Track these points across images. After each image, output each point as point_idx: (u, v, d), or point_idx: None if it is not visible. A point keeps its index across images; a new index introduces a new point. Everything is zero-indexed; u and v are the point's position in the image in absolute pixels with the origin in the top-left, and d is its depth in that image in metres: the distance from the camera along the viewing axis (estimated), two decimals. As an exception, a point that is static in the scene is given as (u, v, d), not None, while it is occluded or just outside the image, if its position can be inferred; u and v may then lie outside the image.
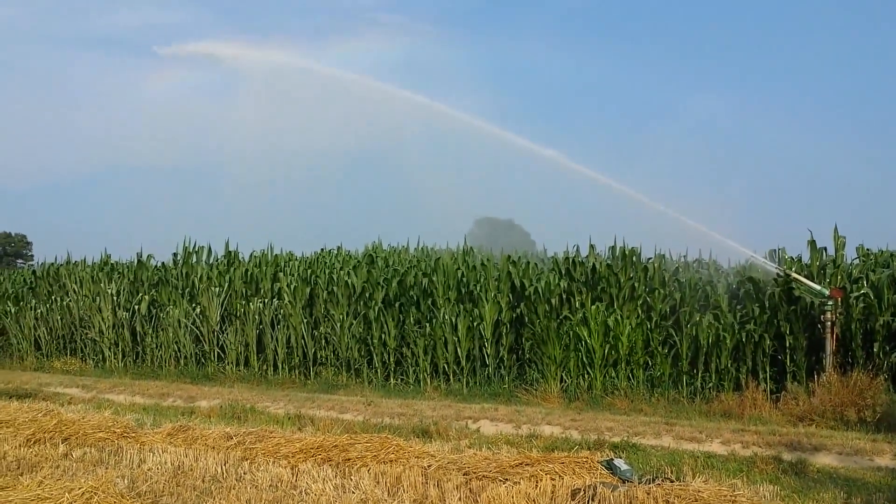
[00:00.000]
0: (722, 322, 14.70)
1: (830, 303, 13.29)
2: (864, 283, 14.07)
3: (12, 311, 23.38)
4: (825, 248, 14.65)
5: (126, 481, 8.65)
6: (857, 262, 14.75)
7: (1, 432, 11.22)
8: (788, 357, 14.14)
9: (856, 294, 13.82)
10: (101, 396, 16.27)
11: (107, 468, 9.32)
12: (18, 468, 9.45)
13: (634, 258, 16.00)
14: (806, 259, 14.74)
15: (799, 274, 14.01)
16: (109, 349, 21.11)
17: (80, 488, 7.47)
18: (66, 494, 7.38)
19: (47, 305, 22.71)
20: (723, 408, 13.26)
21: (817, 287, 13.49)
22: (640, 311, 15.36)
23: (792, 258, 14.99)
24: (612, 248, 16.37)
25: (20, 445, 10.53)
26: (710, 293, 15.28)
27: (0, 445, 10.49)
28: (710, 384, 14.57)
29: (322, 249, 21.42)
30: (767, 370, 14.30)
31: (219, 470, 9.15)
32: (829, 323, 13.29)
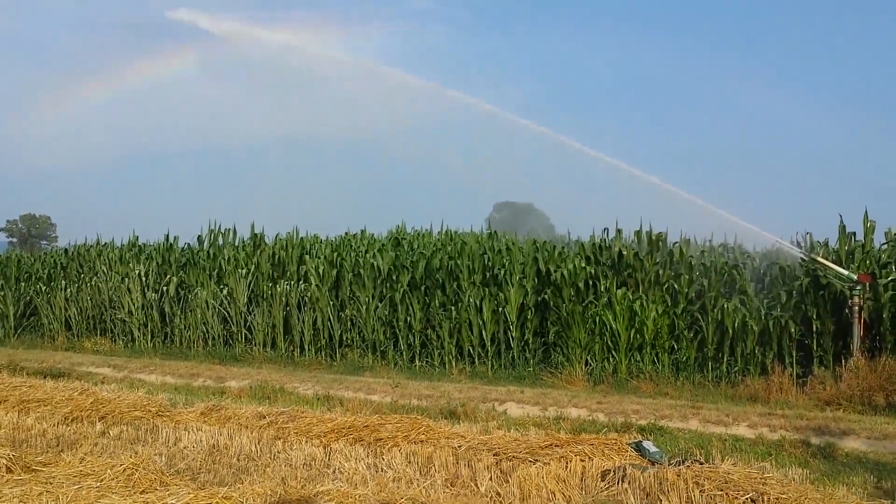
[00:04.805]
0: (748, 307, 14.72)
1: (858, 288, 13.28)
2: (894, 268, 14.04)
3: (43, 291, 23.71)
4: (854, 234, 14.62)
5: (164, 459, 8.86)
6: (885, 246, 14.68)
7: (39, 410, 11.49)
8: (815, 342, 14.13)
9: (884, 280, 13.78)
10: (133, 376, 16.53)
11: (144, 445, 9.55)
12: (58, 445, 9.71)
13: (661, 243, 16.03)
14: (834, 243, 14.71)
15: (826, 259, 13.99)
16: (139, 329, 21.38)
17: (121, 464, 7.65)
18: (109, 470, 7.56)
19: (77, 286, 23.01)
20: (749, 392, 13.29)
21: (845, 272, 13.46)
22: (665, 296, 15.40)
23: (819, 243, 14.98)
24: (638, 233, 16.39)
25: (58, 423, 10.79)
26: (736, 278, 15.28)
27: (39, 423, 10.76)
28: (736, 368, 14.59)
29: (346, 233, 21.56)
30: (794, 355, 14.29)
31: (253, 448, 9.36)
32: (856, 308, 13.27)
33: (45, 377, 14.93)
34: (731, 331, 14.65)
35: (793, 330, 14.20)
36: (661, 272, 15.62)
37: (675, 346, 15.16)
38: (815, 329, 14.10)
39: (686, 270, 15.60)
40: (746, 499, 6.90)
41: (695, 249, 16.75)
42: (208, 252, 21.40)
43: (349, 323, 18.43)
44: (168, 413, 11.33)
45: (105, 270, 22.63)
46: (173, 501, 6.74)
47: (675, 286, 15.42)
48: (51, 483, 7.39)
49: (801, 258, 14.39)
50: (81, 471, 7.65)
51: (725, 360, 14.74)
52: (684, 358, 14.96)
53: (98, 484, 7.32)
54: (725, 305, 14.79)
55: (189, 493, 6.84)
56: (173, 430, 10.23)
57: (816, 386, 12.88)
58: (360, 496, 6.61)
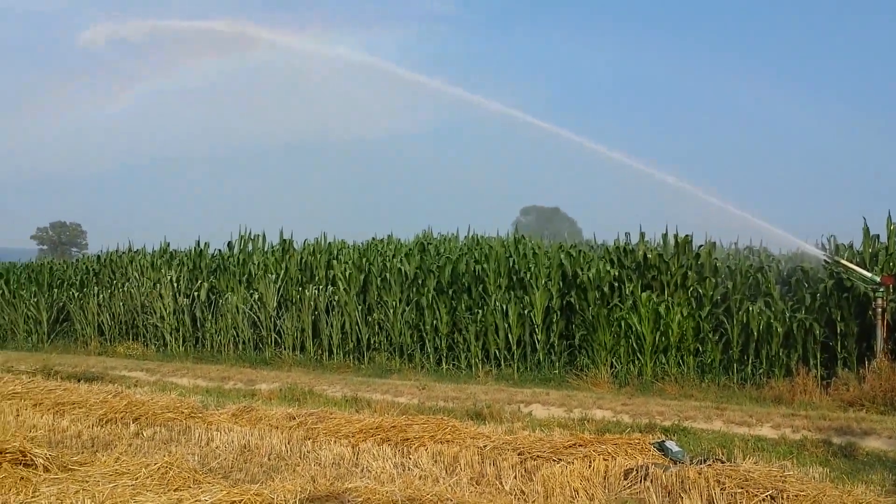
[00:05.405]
0: (773, 309, 14.76)
1: (882, 290, 13.31)
2: (917, 270, 14.04)
3: (76, 297, 24.15)
4: (878, 236, 14.65)
5: (196, 458, 9.10)
6: (909, 248, 14.66)
7: (74, 412, 11.79)
8: (839, 343, 14.16)
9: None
10: (165, 380, 16.86)
11: (177, 446, 9.80)
12: (93, 446, 9.97)
13: (686, 246, 16.09)
14: (858, 246, 14.75)
15: (850, 261, 14.02)
16: (170, 334, 21.74)
17: (155, 464, 7.90)
18: (143, 469, 7.80)
19: (110, 292, 23.42)
20: (773, 393, 13.34)
21: (868, 274, 13.50)
22: (691, 299, 15.47)
23: (844, 245, 15.02)
24: (664, 236, 16.46)
25: (93, 425, 11.06)
26: (761, 281, 15.33)
27: (74, 425, 11.04)
28: (761, 370, 14.64)
29: (373, 238, 21.78)
30: (818, 356, 14.32)
31: (283, 448, 9.59)
32: (880, 310, 13.31)
33: (79, 381, 15.27)
34: (755, 333, 14.69)
35: (817, 332, 14.23)
36: (686, 275, 15.69)
37: (701, 349, 15.22)
38: (839, 331, 14.13)
39: (711, 273, 15.66)
40: (766, 496, 7.03)
41: (720, 252, 16.80)
42: (238, 258, 21.72)
43: (377, 327, 18.65)
44: (200, 415, 11.61)
45: (137, 276, 23.02)
46: (206, 498, 6.96)
47: (700, 289, 15.48)
48: (87, 482, 7.65)
49: (825, 260, 14.43)
50: (117, 470, 7.90)
51: (750, 362, 14.79)
52: (709, 360, 15.03)
53: (133, 482, 7.56)
54: (750, 308, 14.83)
55: (221, 491, 7.07)
56: (205, 431, 10.49)
57: (840, 387, 12.92)
58: (387, 493, 6.81)
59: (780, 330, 14.49)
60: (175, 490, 7.36)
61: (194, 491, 7.22)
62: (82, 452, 9.21)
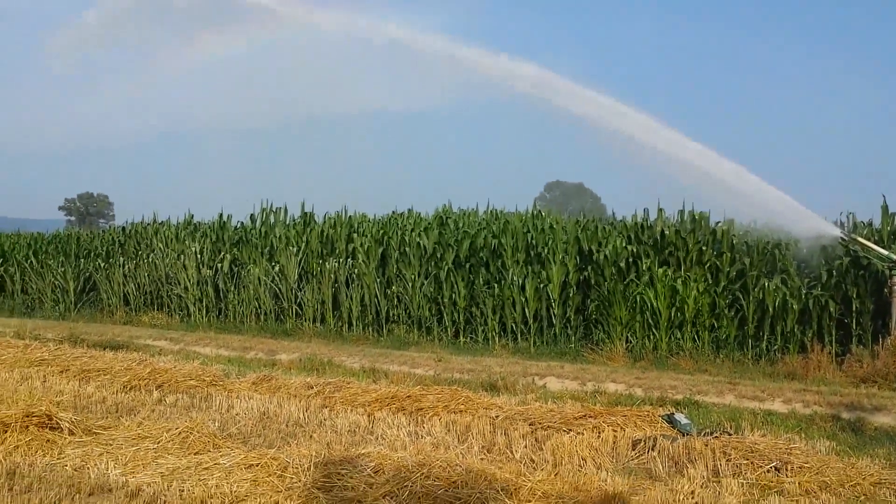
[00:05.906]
0: (789, 286, 14.81)
1: (899, 267, 13.33)
2: (935, 248, 14.02)
3: (103, 267, 24.54)
4: (896, 214, 14.64)
5: (217, 424, 9.32)
6: (928, 227, 14.62)
7: (99, 379, 12.10)
8: (854, 321, 14.18)
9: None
10: (188, 349, 17.15)
11: (199, 412, 10.07)
12: (117, 411, 10.24)
13: (703, 222, 16.14)
14: (877, 224, 14.74)
15: (868, 239, 14.02)
16: (194, 304, 22.08)
17: (176, 428, 8.18)
18: (165, 433, 8.09)
19: (135, 262, 23.78)
20: (787, 369, 13.42)
21: (884, 252, 13.50)
22: (707, 275, 15.53)
23: (863, 223, 15.01)
24: (681, 212, 16.51)
25: (117, 391, 11.35)
26: (777, 257, 15.35)
27: (99, 391, 11.33)
28: (776, 346, 14.70)
29: (394, 212, 21.93)
30: (833, 333, 14.36)
31: (301, 416, 9.82)
32: (895, 287, 13.34)
33: (104, 349, 15.57)
34: (771, 309, 14.74)
35: (832, 309, 14.27)
36: (703, 251, 15.75)
37: (716, 324, 15.30)
38: (854, 308, 14.15)
39: (728, 249, 15.70)
40: (770, 467, 7.19)
41: (739, 229, 16.78)
42: (260, 230, 21.99)
43: (396, 299, 18.86)
44: (221, 383, 11.89)
45: (162, 248, 23.35)
46: (225, 461, 7.23)
47: (717, 265, 15.55)
48: (110, 445, 7.95)
49: (841, 238, 14.42)
50: (139, 434, 8.18)
51: (765, 338, 14.86)
52: (724, 336, 15.11)
53: (155, 446, 7.85)
54: (766, 284, 14.88)
55: (240, 455, 7.34)
56: (226, 399, 10.74)
57: (854, 364, 12.98)
58: (398, 458, 7.02)
59: (795, 306, 14.54)
60: (195, 454, 7.63)
61: (214, 454, 7.49)
62: (106, 417, 9.51)
